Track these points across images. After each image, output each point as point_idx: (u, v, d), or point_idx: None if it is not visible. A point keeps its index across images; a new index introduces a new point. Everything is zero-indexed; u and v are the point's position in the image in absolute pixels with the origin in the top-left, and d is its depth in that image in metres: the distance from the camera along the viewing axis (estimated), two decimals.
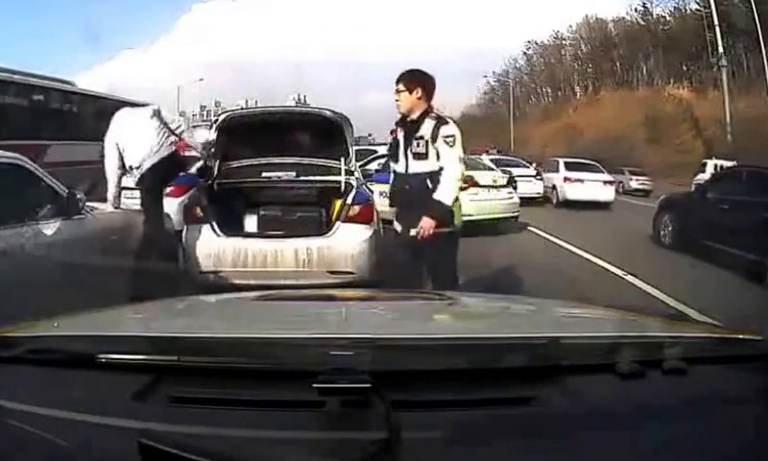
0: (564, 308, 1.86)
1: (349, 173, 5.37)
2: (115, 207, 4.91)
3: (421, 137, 3.42)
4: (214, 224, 4.73)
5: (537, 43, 63.42)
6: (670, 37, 47.89)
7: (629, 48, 52.28)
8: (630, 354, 1.03)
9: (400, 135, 3.54)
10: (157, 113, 4.87)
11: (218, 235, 4.70)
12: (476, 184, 9.60)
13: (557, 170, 16.49)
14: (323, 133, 5.49)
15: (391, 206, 3.80)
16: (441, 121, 3.45)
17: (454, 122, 3.55)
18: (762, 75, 32.73)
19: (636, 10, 52.58)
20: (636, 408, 0.95)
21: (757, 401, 1.02)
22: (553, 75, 61.79)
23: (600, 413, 0.95)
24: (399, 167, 3.56)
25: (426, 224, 3.34)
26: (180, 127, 4.99)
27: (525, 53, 64.58)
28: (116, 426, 0.88)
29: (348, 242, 4.65)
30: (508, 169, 12.32)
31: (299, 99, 55.66)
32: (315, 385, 0.87)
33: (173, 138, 4.89)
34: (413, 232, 3.41)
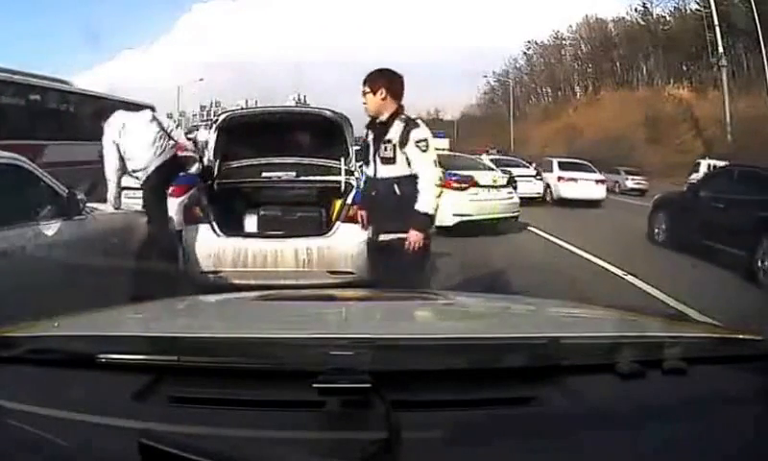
0: (564, 308, 1.86)
1: (349, 173, 5.37)
2: (116, 208, 4.92)
3: (389, 141, 3.27)
4: (214, 224, 4.73)
5: (537, 43, 63.53)
6: (670, 37, 47.89)
7: (629, 48, 52.28)
8: (630, 354, 1.03)
9: (370, 138, 3.43)
10: (155, 118, 5.05)
11: (218, 235, 4.71)
12: (476, 184, 9.61)
13: (551, 170, 17.04)
14: (323, 133, 5.49)
15: (361, 209, 3.74)
16: (410, 124, 3.28)
17: (425, 124, 3.41)
18: (762, 75, 32.71)
19: (636, 10, 52.67)
20: (636, 408, 0.95)
21: (757, 401, 1.02)
22: (553, 75, 61.80)
23: (600, 413, 0.95)
24: (369, 171, 3.45)
25: (414, 237, 3.24)
26: (172, 130, 5.16)
27: (525, 53, 64.69)
28: (116, 426, 0.88)
29: (347, 242, 4.65)
30: (508, 169, 12.32)
31: (299, 99, 55.68)
32: (315, 385, 0.87)
33: (172, 141, 5.09)
34: (382, 237, 3.34)
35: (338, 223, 4.79)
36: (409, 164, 3.27)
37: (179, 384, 0.99)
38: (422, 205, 3.26)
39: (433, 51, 77.78)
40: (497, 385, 0.99)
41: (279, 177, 5.52)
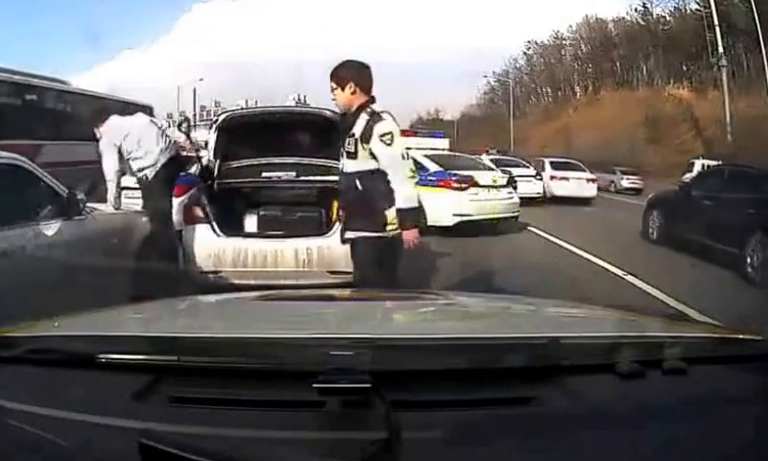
0: (564, 308, 1.86)
1: None
2: (116, 208, 4.93)
3: (352, 135, 3.18)
4: (214, 224, 4.73)
5: (537, 43, 63.47)
6: (670, 37, 47.87)
7: (629, 48, 52.25)
8: (630, 354, 1.03)
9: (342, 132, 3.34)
10: (153, 117, 5.31)
11: (218, 235, 4.70)
12: (476, 184, 9.61)
13: (543, 169, 17.63)
14: (323, 132, 5.48)
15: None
16: (375, 117, 3.15)
17: (392, 117, 3.26)
18: (762, 75, 32.68)
19: (636, 10, 52.62)
20: (636, 408, 0.95)
21: (757, 401, 1.02)
22: (553, 75, 61.78)
23: (600, 413, 0.95)
24: (340, 166, 3.38)
25: (408, 236, 3.17)
26: (166, 128, 5.39)
27: (525, 53, 64.64)
28: (116, 426, 0.88)
29: None
30: (508, 169, 12.33)
31: (299, 99, 55.53)
32: (315, 385, 0.87)
33: (173, 140, 5.31)
34: (348, 235, 3.25)
35: (338, 223, 4.78)
36: (375, 159, 3.15)
37: (179, 384, 0.99)
38: (402, 201, 3.15)
39: (433, 51, 77.73)
40: (497, 385, 0.99)
41: (279, 177, 5.52)
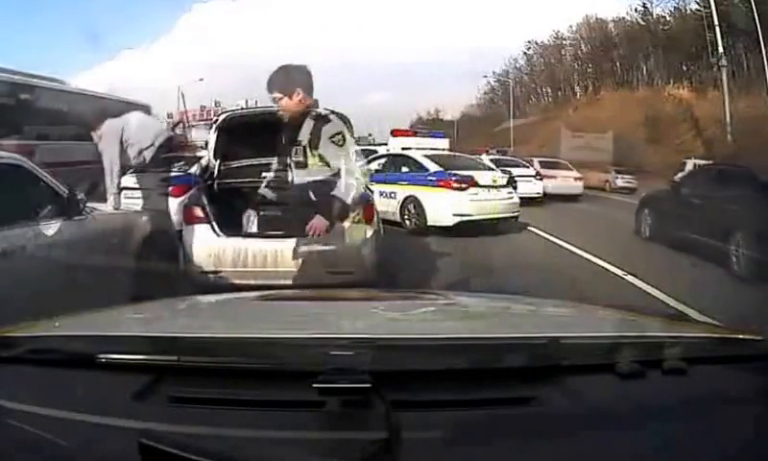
0: (564, 308, 1.86)
1: None
2: (116, 208, 4.94)
3: (299, 144, 3.00)
4: (214, 224, 4.73)
5: (537, 43, 63.28)
6: (670, 37, 47.82)
7: (629, 48, 52.19)
8: (630, 354, 1.03)
9: (283, 140, 3.20)
10: (151, 116, 5.86)
11: (218, 235, 4.70)
12: (476, 184, 9.60)
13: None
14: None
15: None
16: (321, 120, 3.00)
17: (338, 116, 3.12)
18: (762, 75, 32.68)
19: (636, 10, 52.47)
20: (636, 408, 0.95)
21: (757, 401, 1.02)
22: (553, 75, 61.69)
23: (600, 413, 0.95)
24: (289, 178, 3.18)
25: (318, 224, 2.99)
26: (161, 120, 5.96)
27: (525, 53, 64.46)
28: (116, 426, 0.88)
29: (348, 242, 4.64)
30: (508, 169, 12.33)
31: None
32: (315, 385, 0.87)
33: (167, 127, 5.81)
34: (302, 249, 3.17)
35: (338, 223, 4.78)
36: (327, 165, 2.99)
37: (179, 384, 0.99)
38: (341, 191, 2.99)
39: (433, 51, 77.56)
40: (497, 385, 0.99)
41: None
